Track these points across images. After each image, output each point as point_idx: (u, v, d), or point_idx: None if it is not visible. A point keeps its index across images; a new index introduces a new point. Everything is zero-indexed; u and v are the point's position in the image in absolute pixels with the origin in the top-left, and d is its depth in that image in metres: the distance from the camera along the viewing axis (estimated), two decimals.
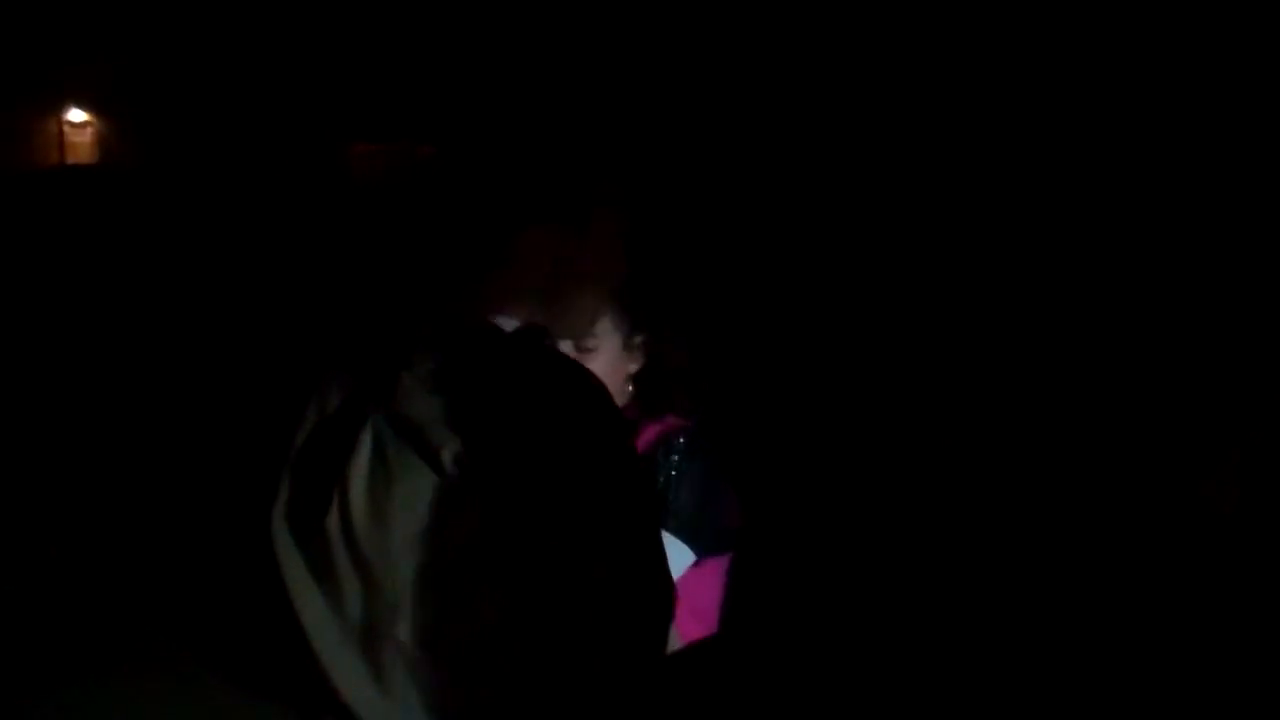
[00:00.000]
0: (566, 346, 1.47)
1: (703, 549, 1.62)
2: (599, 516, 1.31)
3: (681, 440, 1.63)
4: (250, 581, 1.64)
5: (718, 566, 1.69)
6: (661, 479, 1.62)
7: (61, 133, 8.84)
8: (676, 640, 1.49)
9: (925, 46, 4.36)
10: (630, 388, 1.67)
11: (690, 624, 1.48)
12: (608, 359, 1.61)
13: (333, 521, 1.51)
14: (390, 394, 1.55)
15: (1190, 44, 3.64)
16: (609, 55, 4.90)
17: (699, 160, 4.56)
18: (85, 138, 8.88)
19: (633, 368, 1.67)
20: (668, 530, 1.52)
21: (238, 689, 1.53)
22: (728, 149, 4.68)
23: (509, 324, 1.42)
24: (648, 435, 1.64)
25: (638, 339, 1.67)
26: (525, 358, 1.53)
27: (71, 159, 8.66)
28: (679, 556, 1.64)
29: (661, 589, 1.27)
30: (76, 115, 8.89)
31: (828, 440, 4.17)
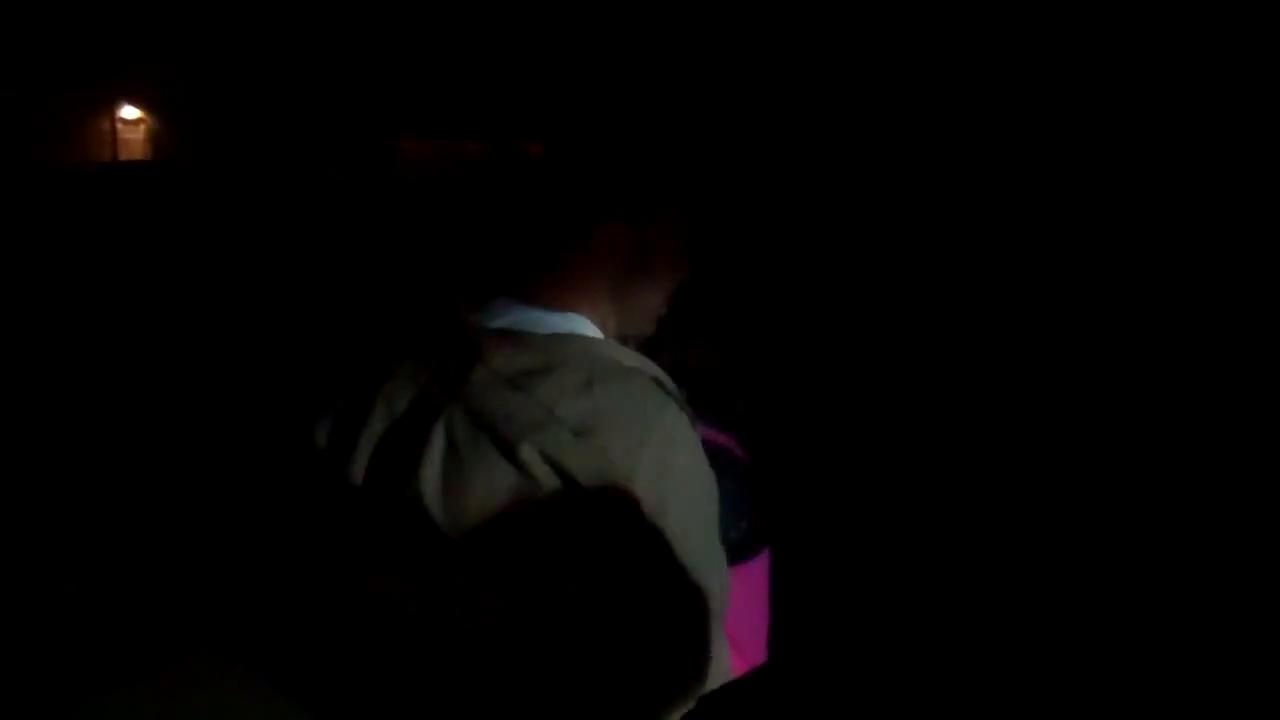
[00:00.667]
0: (631, 344, 1.44)
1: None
2: (671, 534, 1.28)
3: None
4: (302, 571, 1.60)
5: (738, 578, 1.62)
6: None
7: (115, 129, 8.92)
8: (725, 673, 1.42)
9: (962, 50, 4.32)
10: None
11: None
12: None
13: (406, 508, 1.46)
14: (463, 388, 1.50)
15: (1190, 44, 3.59)
16: (659, 54, 4.88)
17: (750, 164, 4.53)
18: (138, 134, 8.96)
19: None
20: None
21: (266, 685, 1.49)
22: (774, 153, 4.65)
23: (580, 320, 1.39)
24: None
25: (683, 338, 1.64)
26: (596, 357, 1.49)
27: (124, 155, 8.73)
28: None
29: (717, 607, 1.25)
30: (130, 112, 8.97)
31: (853, 449, 4.12)
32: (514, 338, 1.44)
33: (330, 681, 1.45)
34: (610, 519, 1.25)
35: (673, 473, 1.14)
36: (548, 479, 1.28)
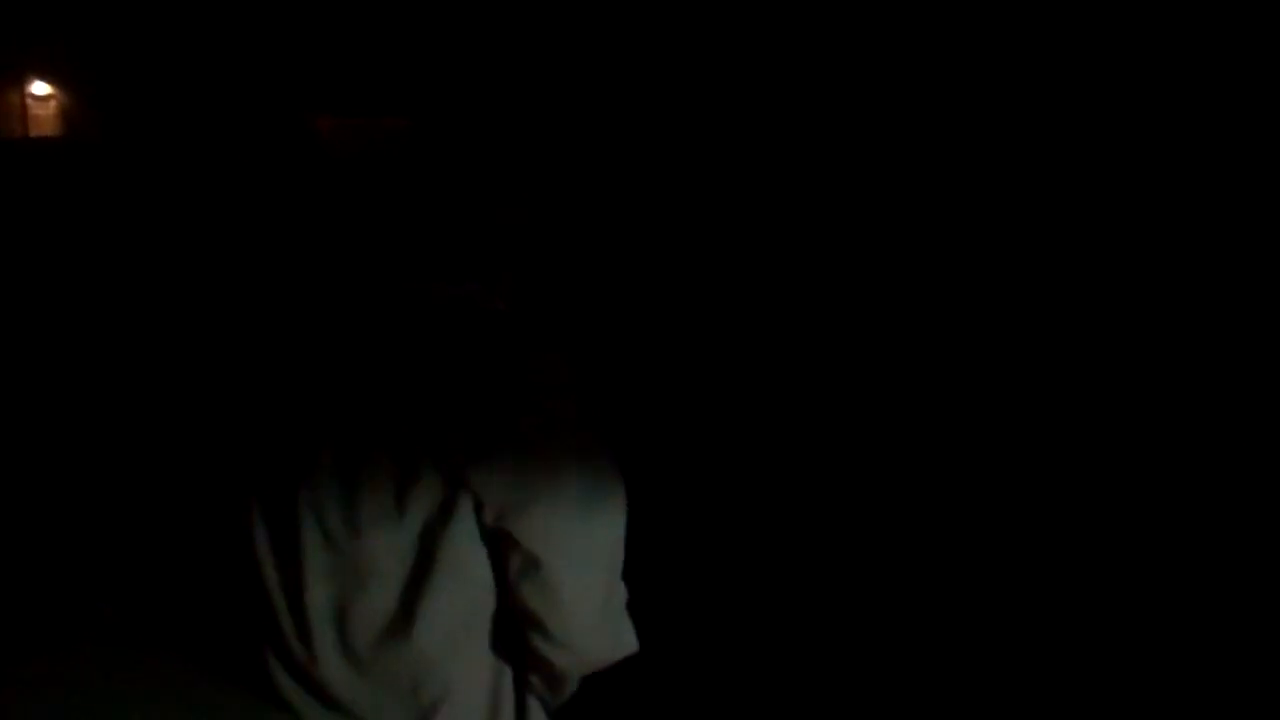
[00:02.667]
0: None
1: None
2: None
3: None
4: (221, 565, 1.64)
5: None
6: None
7: (25, 105, 8.73)
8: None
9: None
10: None
11: None
12: None
13: (304, 499, 1.53)
14: (352, 371, 1.59)
15: (1190, 44, 3.64)
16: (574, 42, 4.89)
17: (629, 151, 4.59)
18: (49, 110, 8.78)
19: None
20: None
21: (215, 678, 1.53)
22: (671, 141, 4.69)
23: (477, 289, 1.52)
24: None
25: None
26: (496, 334, 1.59)
27: (35, 131, 8.56)
28: None
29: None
30: (40, 88, 8.79)
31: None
32: (407, 317, 1.57)
33: None
34: (506, 493, 1.41)
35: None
36: (438, 457, 1.45)
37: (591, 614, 1.51)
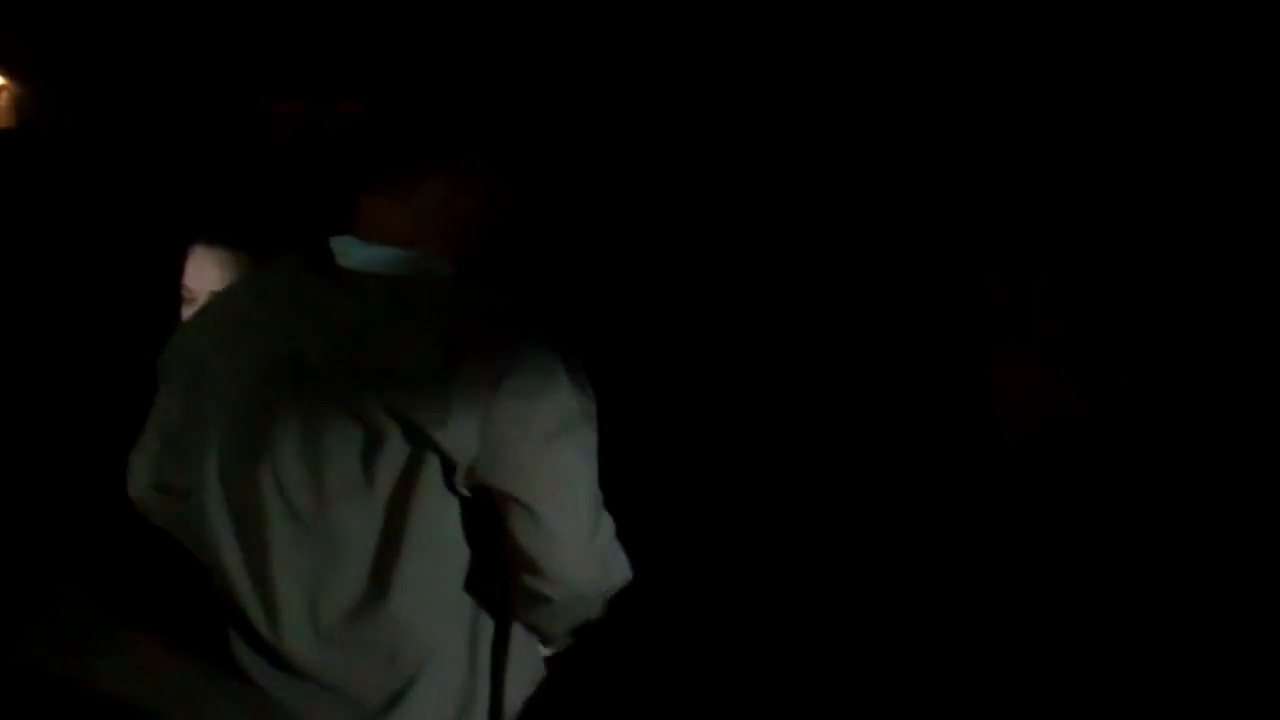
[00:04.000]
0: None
1: None
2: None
3: None
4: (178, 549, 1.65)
5: None
6: None
7: None
8: None
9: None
10: None
11: None
12: None
13: (265, 473, 1.54)
14: (301, 339, 1.60)
15: (1190, 44, 3.66)
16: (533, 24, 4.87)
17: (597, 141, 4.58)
18: (0, 101, 8.68)
19: None
20: None
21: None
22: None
23: (423, 256, 1.56)
24: None
25: None
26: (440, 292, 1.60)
27: None
28: None
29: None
30: None
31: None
32: (342, 282, 1.60)
33: None
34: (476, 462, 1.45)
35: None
36: (399, 430, 1.46)
37: (580, 545, 1.54)
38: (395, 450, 1.47)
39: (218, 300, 1.76)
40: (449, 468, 1.48)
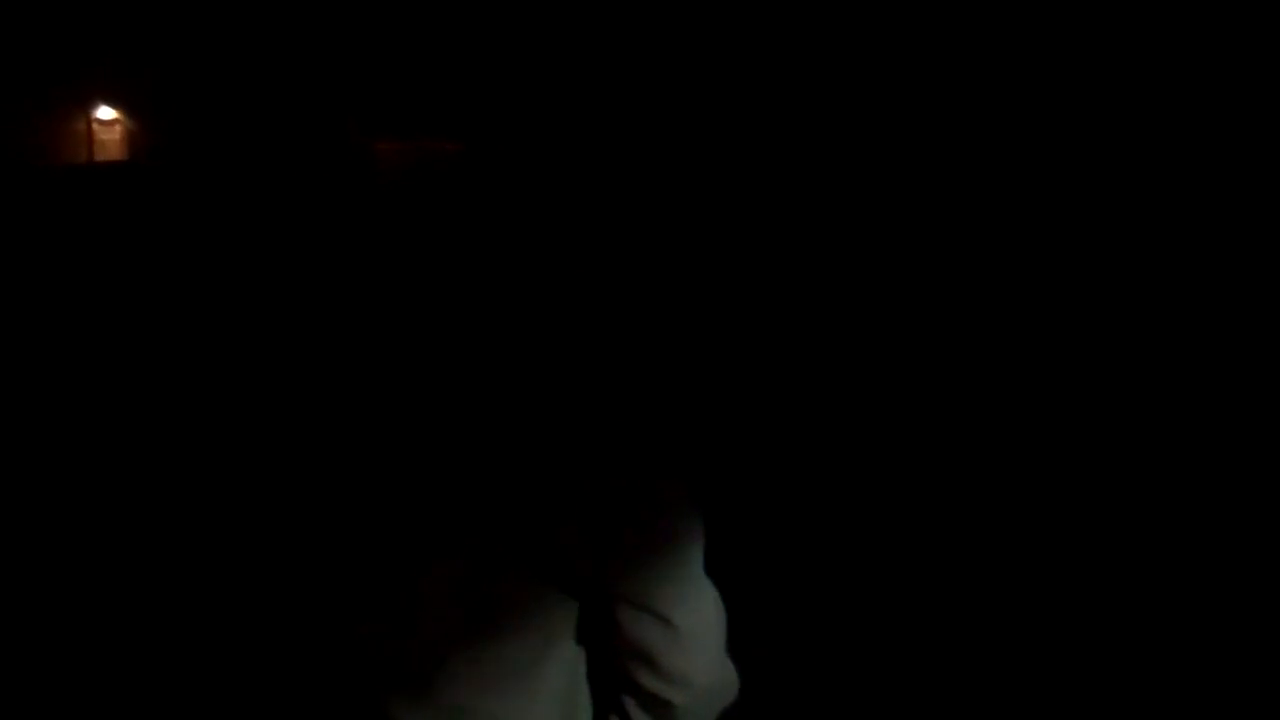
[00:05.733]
0: None
1: None
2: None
3: None
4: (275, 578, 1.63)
5: None
6: None
7: (90, 130, 8.88)
8: None
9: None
10: None
11: None
12: None
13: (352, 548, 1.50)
14: (410, 419, 1.57)
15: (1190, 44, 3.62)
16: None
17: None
18: (114, 135, 8.92)
19: None
20: None
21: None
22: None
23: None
24: None
25: None
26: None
27: (100, 156, 8.70)
28: None
29: None
30: (105, 113, 8.93)
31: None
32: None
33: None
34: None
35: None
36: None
37: (711, 647, 1.49)
38: (504, 550, 1.44)
39: (322, 351, 1.74)
40: (568, 569, 1.44)
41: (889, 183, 4.32)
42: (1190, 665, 2.86)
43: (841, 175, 4.44)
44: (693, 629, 1.44)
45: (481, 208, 1.63)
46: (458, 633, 1.43)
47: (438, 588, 1.41)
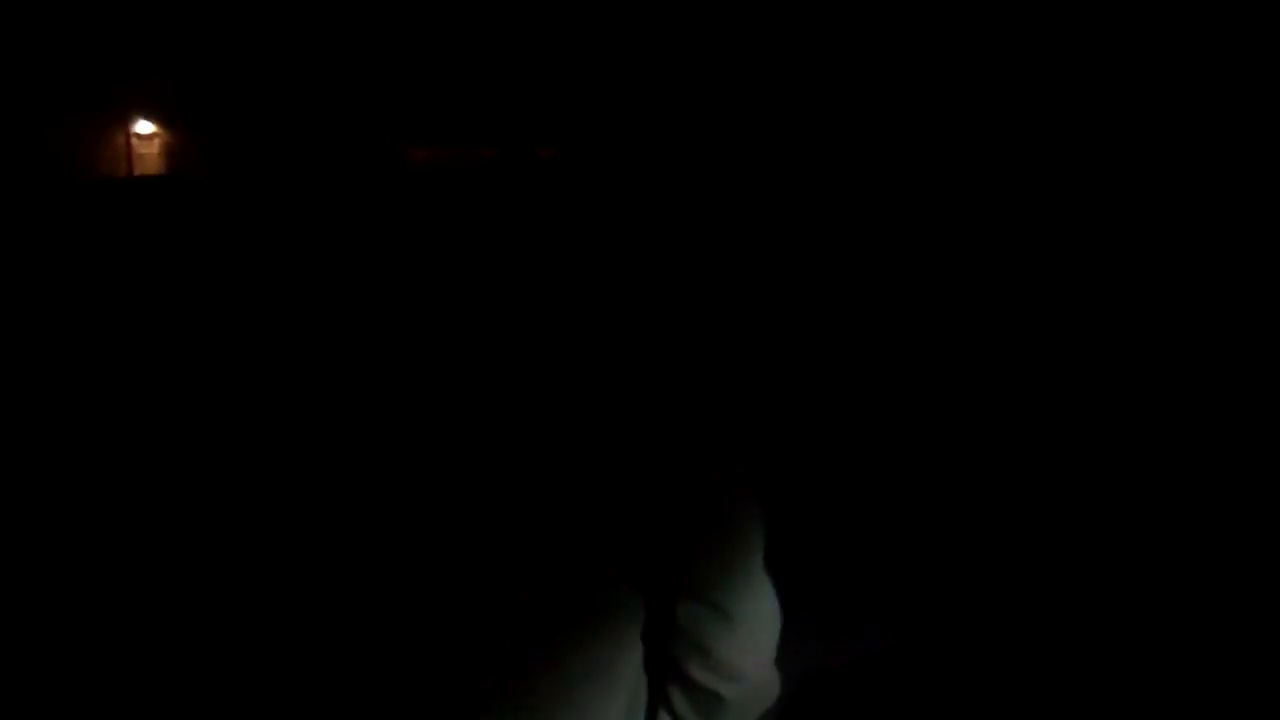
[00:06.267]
0: None
1: None
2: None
3: None
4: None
5: None
6: None
7: (129, 144, 8.96)
8: None
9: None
10: None
11: None
12: None
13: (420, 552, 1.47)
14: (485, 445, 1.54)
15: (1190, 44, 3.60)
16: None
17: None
18: (153, 149, 9.00)
19: None
20: None
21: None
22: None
23: None
24: None
25: None
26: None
27: (139, 170, 8.78)
28: None
29: None
30: (144, 127, 9.01)
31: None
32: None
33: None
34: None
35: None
36: None
37: (764, 644, 1.51)
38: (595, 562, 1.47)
39: (379, 371, 1.74)
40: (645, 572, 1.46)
41: (918, 190, 4.30)
42: (1190, 665, 2.83)
43: (867, 181, 4.42)
44: (749, 623, 1.45)
45: (545, 209, 1.60)
46: (542, 634, 1.43)
47: (522, 592, 1.41)
